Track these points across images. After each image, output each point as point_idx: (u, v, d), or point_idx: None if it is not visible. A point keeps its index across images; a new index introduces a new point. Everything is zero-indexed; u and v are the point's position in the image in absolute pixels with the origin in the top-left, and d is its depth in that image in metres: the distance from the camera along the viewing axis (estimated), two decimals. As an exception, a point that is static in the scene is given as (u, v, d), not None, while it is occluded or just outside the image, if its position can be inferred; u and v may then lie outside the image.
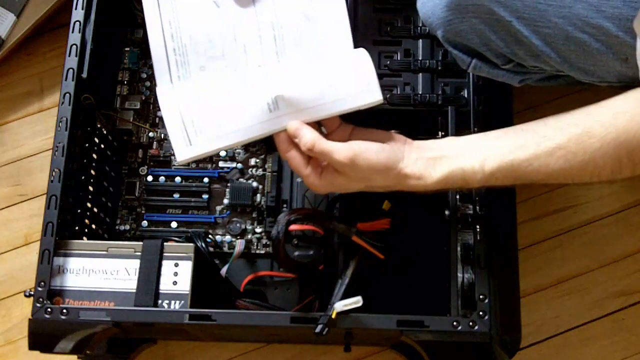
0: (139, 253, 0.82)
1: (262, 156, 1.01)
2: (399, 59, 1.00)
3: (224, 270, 0.93)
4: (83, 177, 0.91)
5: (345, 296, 0.80)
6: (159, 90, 0.77)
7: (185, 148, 0.75)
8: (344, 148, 0.71)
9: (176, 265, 0.82)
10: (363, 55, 0.76)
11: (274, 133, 0.74)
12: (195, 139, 0.75)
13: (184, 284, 0.81)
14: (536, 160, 0.69)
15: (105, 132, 0.97)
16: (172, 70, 0.77)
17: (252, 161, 1.01)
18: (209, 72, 0.78)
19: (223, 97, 0.76)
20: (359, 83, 0.74)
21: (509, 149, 0.71)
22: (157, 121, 1.03)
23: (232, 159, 1.01)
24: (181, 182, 1.01)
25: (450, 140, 0.76)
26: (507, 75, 0.80)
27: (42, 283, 0.80)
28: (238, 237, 0.98)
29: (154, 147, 1.02)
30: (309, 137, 0.72)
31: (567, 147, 0.68)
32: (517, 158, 0.70)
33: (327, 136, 0.76)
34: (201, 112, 0.76)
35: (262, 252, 0.98)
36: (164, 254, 0.82)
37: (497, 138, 0.73)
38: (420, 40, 1.01)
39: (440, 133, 0.92)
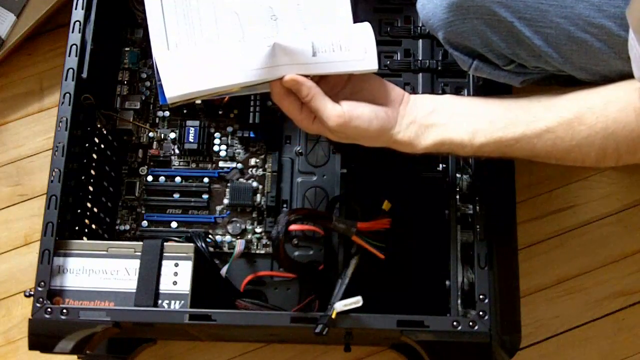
0: (139, 253, 0.82)
1: (262, 156, 1.01)
2: (399, 59, 1.01)
3: (224, 270, 0.93)
4: (83, 177, 0.91)
5: (345, 296, 0.80)
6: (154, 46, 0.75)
7: (176, 84, 0.72)
8: (335, 114, 0.72)
9: (176, 265, 0.82)
10: (365, 27, 0.76)
11: (271, 80, 0.73)
12: (187, 76, 0.73)
13: (184, 284, 0.81)
14: (524, 140, 0.71)
15: (105, 132, 0.97)
16: (169, 37, 0.77)
17: (252, 161, 1.01)
18: (206, 38, 0.77)
19: (220, 45, 0.75)
20: (357, 50, 0.74)
21: (499, 126, 0.72)
22: (157, 121, 1.03)
23: (232, 159, 1.01)
24: (181, 182, 1.00)
25: (446, 101, 0.76)
26: (509, 76, 0.80)
27: (42, 283, 0.80)
28: (238, 237, 0.98)
29: (154, 147, 1.02)
30: (307, 89, 0.72)
31: (556, 131, 0.70)
32: (505, 136, 0.72)
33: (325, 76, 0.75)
34: (196, 53, 0.74)
35: (262, 252, 0.98)
36: (164, 254, 0.82)
37: (490, 109, 0.75)
38: (420, 40, 1.01)
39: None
